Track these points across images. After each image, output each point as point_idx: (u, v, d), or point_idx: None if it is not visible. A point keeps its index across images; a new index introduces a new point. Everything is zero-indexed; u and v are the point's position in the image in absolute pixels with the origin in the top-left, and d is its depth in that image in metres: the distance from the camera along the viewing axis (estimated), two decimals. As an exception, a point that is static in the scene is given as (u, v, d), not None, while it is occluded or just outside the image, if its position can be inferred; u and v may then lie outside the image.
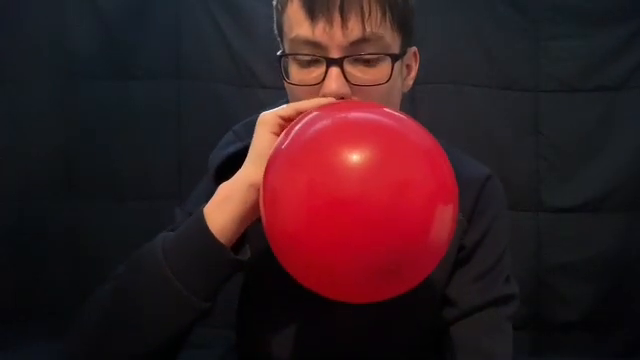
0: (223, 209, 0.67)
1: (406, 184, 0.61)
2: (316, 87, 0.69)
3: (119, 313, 0.68)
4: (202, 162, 0.87)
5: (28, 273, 1.98)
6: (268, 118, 0.68)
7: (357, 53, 0.68)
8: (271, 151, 0.65)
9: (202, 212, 0.67)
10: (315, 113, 0.67)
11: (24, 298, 1.98)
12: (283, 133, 0.67)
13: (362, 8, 0.67)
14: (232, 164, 0.72)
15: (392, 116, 0.66)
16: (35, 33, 1.96)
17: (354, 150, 0.61)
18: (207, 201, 0.69)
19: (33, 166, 1.98)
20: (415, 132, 0.65)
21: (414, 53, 0.80)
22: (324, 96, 0.68)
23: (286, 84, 0.74)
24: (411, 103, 1.92)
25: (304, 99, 0.69)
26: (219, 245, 0.66)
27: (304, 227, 0.61)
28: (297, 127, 0.66)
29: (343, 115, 0.65)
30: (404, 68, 0.78)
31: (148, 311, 0.66)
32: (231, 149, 0.80)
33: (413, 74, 0.81)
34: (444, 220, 0.64)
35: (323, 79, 0.68)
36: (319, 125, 0.65)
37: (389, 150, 0.62)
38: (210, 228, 0.66)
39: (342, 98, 0.68)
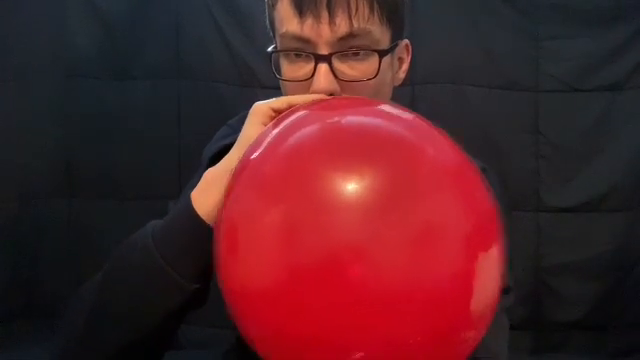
0: (208, 193, 0.67)
1: (430, 228, 0.43)
2: (306, 83, 0.70)
3: (107, 301, 0.68)
4: (199, 164, 0.87)
5: (28, 273, 1.98)
6: (260, 109, 0.68)
7: (345, 49, 0.68)
8: (238, 161, 0.54)
9: (189, 197, 0.68)
10: (304, 112, 0.55)
11: (24, 298, 1.98)
12: (258, 136, 0.55)
13: (349, 4, 0.67)
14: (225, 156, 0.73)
15: (403, 121, 0.52)
16: (35, 33, 1.96)
17: (353, 176, 0.43)
18: None
19: (33, 166, 1.98)
20: (436, 143, 0.49)
21: (406, 46, 0.79)
22: (314, 93, 0.68)
23: (279, 80, 0.74)
24: (411, 103, 1.92)
25: (296, 95, 0.70)
26: (205, 226, 0.66)
27: (276, 290, 0.44)
28: (277, 130, 0.52)
29: (337, 119, 0.52)
30: (395, 61, 0.78)
31: (137, 295, 0.66)
32: (224, 141, 0.80)
33: (405, 67, 0.81)
34: (488, 274, 0.45)
35: (312, 75, 0.68)
36: (306, 132, 0.50)
37: (404, 175, 0.45)
38: (197, 210, 0.66)
39: (332, 95, 0.68)
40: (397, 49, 0.76)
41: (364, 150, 0.46)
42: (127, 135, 2.01)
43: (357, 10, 0.67)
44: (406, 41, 0.79)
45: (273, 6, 0.73)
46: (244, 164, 0.51)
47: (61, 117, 2.01)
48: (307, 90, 0.69)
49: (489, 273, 0.45)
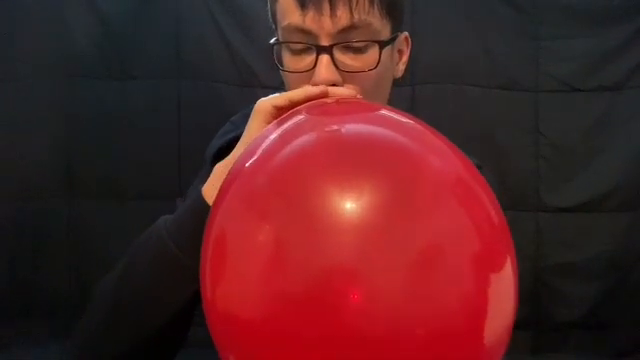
0: (218, 186, 0.68)
1: (436, 250, 0.38)
2: (308, 74, 0.71)
3: (125, 294, 0.68)
4: (202, 162, 0.87)
5: (28, 273, 1.98)
6: (263, 106, 0.68)
7: (346, 40, 0.69)
8: (231, 166, 0.52)
9: (200, 191, 0.68)
10: (301, 119, 0.52)
11: (24, 298, 1.98)
12: (253, 141, 0.52)
13: None
14: (229, 152, 0.73)
15: (404, 129, 0.47)
16: (35, 33, 1.96)
17: (351, 192, 0.39)
18: None
19: (33, 166, 1.98)
20: (440, 153, 0.44)
21: (405, 38, 0.81)
22: (315, 84, 0.69)
23: (281, 72, 0.75)
24: (411, 103, 1.92)
25: (297, 86, 0.71)
26: None
27: (261, 316, 0.39)
28: (272, 137, 0.48)
29: (335, 128, 0.48)
30: (395, 53, 0.79)
31: (153, 285, 0.67)
32: (228, 136, 0.81)
33: (405, 59, 0.82)
34: (502, 295, 0.40)
35: (314, 66, 0.69)
36: (301, 142, 0.46)
37: (406, 191, 0.40)
38: (209, 204, 0.67)
39: (334, 85, 0.69)
40: (397, 41, 0.77)
41: (363, 163, 0.41)
42: (127, 135, 2.02)
43: (357, 3, 0.69)
44: (405, 33, 0.80)
45: None
46: (237, 171, 0.47)
47: (61, 117, 2.01)
48: (309, 81, 0.70)
49: (503, 294, 0.40)
